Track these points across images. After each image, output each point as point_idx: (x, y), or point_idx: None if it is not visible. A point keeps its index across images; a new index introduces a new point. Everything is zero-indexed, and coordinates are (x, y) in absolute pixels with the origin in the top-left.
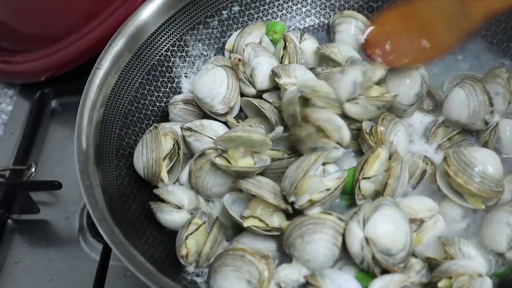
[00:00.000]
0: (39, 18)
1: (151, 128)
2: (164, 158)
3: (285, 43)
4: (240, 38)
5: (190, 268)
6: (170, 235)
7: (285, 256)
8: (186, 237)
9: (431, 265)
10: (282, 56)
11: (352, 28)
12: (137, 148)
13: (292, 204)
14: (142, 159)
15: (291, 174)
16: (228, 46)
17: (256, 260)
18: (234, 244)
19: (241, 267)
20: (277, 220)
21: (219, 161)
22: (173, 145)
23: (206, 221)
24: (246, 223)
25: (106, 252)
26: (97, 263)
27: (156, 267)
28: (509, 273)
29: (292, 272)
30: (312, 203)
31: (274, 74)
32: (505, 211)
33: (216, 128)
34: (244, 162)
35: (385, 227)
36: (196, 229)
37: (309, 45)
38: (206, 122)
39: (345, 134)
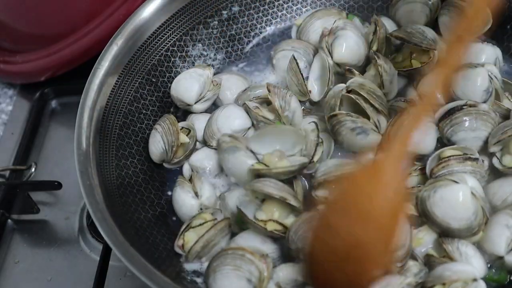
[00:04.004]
0: (39, 18)
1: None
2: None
3: (375, 28)
4: (309, 19)
5: (183, 259)
6: (170, 235)
7: (283, 256)
8: (187, 228)
9: (430, 263)
10: (371, 41)
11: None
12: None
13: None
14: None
15: (330, 164)
16: (298, 21)
17: (256, 259)
18: (232, 244)
19: (241, 266)
20: (290, 221)
21: (258, 166)
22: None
23: (217, 221)
24: (269, 228)
25: (106, 252)
26: (97, 263)
27: (156, 267)
28: (505, 278)
29: (291, 272)
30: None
31: (374, 53)
32: (505, 213)
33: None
34: (282, 163)
35: None
36: (201, 224)
37: None
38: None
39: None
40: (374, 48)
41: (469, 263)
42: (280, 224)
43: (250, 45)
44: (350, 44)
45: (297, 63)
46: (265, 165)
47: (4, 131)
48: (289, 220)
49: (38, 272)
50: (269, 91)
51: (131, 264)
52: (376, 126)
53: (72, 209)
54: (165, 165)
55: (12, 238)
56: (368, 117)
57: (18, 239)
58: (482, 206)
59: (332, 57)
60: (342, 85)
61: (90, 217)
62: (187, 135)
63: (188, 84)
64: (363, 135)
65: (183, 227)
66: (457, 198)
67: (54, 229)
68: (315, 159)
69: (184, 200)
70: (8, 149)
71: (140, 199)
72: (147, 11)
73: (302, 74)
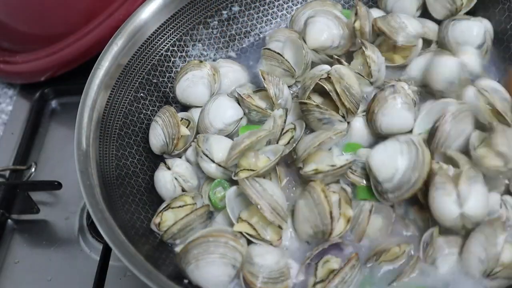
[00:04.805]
0: (39, 18)
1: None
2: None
3: (356, 9)
4: (302, 9)
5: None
6: None
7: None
8: (166, 208)
9: None
10: (355, 21)
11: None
12: (153, 126)
13: (299, 169)
14: (160, 130)
15: (307, 140)
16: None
17: (239, 245)
18: (214, 225)
19: (226, 254)
20: (270, 234)
21: (243, 174)
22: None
23: (198, 207)
24: (236, 227)
25: (106, 252)
26: (97, 263)
27: (156, 267)
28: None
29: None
30: (316, 172)
31: (361, 43)
32: (479, 244)
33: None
34: (263, 161)
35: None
36: (180, 206)
37: None
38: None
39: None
40: (357, 26)
41: None
42: (254, 229)
43: (250, 45)
44: (319, 28)
45: (268, 48)
46: (251, 170)
47: (4, 131)
48: (268, 231)
49: (38, 272)
50: (264, 78)
51: (131, 264)
52: (344, 116)
53: (72, 209)
54: (165, 156)
55: (12, 238)
56: (337, 107)
57: (18, 239)
58: None
59: (306, 43)
60: (326, 68)
61: (90, 217)
62: (187, 127)
63: (198, 91)
64: (329, 125)
65: (163, 206)
66: None
67: (54, 229)
68: (281, 143)
69: (158, 175)
70: (8, 149)
71: (140, 199)
72: (147, 11)
73: (279, 53)
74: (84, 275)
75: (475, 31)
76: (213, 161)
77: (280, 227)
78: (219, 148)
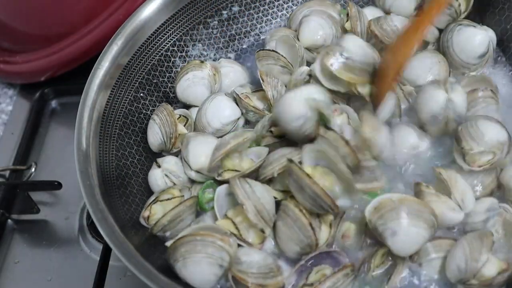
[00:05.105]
0: (39, 18)
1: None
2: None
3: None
4: (300, 7)
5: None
6: None
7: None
8: (155, 201)
9: None
10: (346, 22)
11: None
12: (150, 125)
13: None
14: (158, 129)
15: (269, 161)
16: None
17: (227, 245)
18: (200, 223)
19: (213, 254)
20: (252, 236)
21: (228, 175)
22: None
23: (186, 198)
24: (220, 223)
25: (106, 252)
26: (97, 263)
27: (156, 267)
28: None
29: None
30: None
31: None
32: (462, 253)
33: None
34: (247, 163)
35: None
36: (168, 199)
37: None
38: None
39: None
40: (348, 25)
41: None
42: (237, 228)
43: (250, 45)
44: (312, 26)
45: (262, 49)
46: (235, 170)
47: (4, 131)
48: (250, 233)
49: (38, 272)
50: (262, 80)
51: (131, 264)
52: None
53: (72, 209)
54: (164, 154)
55: (12, 238)
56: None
57: (18, 239)
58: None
59: (299, 40)
60: (305, 69)
61: (90, 217)
62: (184, 125)
63: (198, 91)
64: None
65: (151, 199)
66: None
67: (54, 229)
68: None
69: (150, 174)
70: (8, 149)
71: (140, 199)
72: (147, 11)
73: (273, 51)
74: (84, 275)
75: (478, 39)
76: (191, 169)
77: (262, 231)
78: (197, 153)
